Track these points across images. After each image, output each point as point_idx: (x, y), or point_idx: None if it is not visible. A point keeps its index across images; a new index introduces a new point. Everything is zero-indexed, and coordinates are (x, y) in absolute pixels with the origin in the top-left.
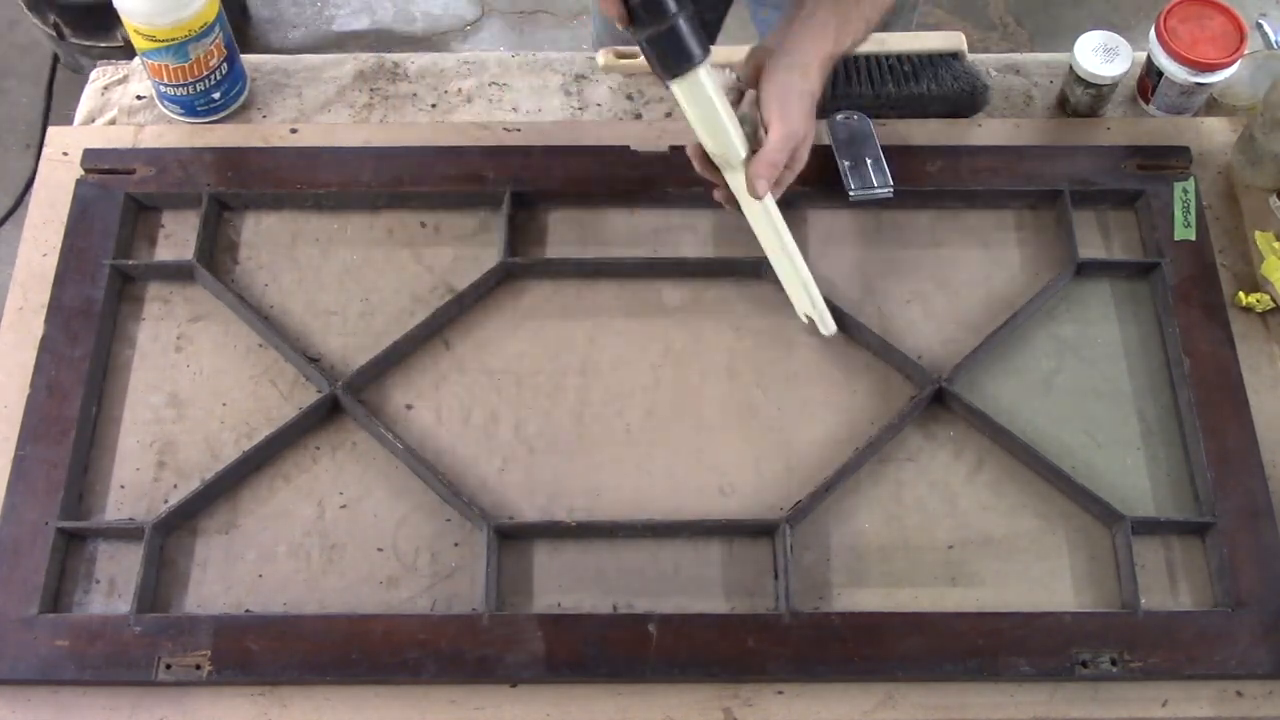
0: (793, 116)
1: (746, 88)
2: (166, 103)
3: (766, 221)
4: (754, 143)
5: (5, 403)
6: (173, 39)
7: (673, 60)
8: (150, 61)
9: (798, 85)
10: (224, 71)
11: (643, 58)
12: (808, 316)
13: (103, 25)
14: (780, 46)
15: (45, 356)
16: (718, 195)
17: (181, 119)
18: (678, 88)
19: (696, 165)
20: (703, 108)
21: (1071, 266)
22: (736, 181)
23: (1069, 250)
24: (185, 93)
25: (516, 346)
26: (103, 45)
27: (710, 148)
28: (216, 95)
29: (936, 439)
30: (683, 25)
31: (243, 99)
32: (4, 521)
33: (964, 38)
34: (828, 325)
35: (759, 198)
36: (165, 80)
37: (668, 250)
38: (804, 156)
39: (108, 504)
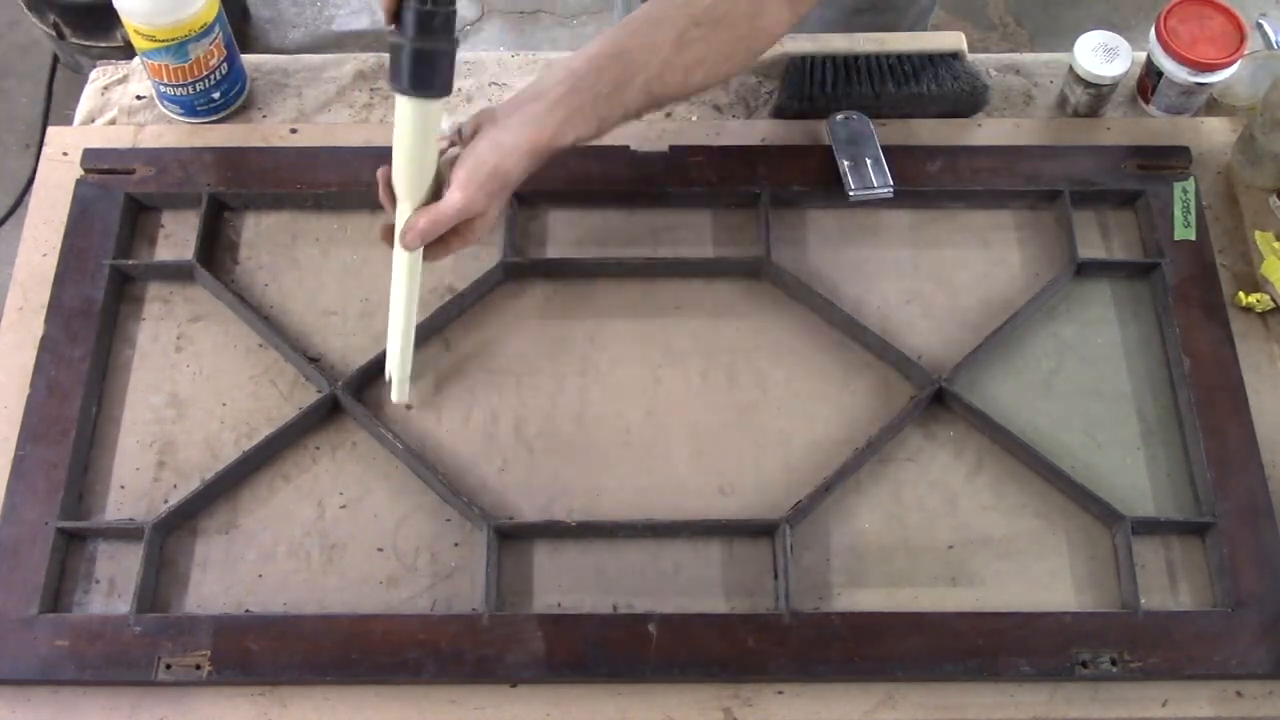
0: (474, 191)
1: (460, 143)
2: (166, 103)
3: (404, 271)
4: (435, 198)
5: (5, 403)
6: (173, 39)
7: (428, 80)
8: (150, 61)
9: (491, 163)
10: (224, 71)
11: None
12: (390, 375)
13: (102, 25)
14: (498, 120)
15: (45, 356)
16: (379, 228)
17: (181, 119)
18: (410, 107)
19: (380, 187)
20: (417, 136)
21: (1071, 266)
22: (401, 219)
23: (1069, 250)
24: (185, 93)
25: (516, 346)
26: (102, 45)
27: (399, 175)
28: (216, 95)
29: (936, 439)
30: (452, 54)
31: (243, 99)
32: (4, 521)
33: (964, 38)
34: (403, 394)
35: (406, 248)
36: (165, 80)
37: (668, 250)
38: (479, 234)
39: (108, 504)
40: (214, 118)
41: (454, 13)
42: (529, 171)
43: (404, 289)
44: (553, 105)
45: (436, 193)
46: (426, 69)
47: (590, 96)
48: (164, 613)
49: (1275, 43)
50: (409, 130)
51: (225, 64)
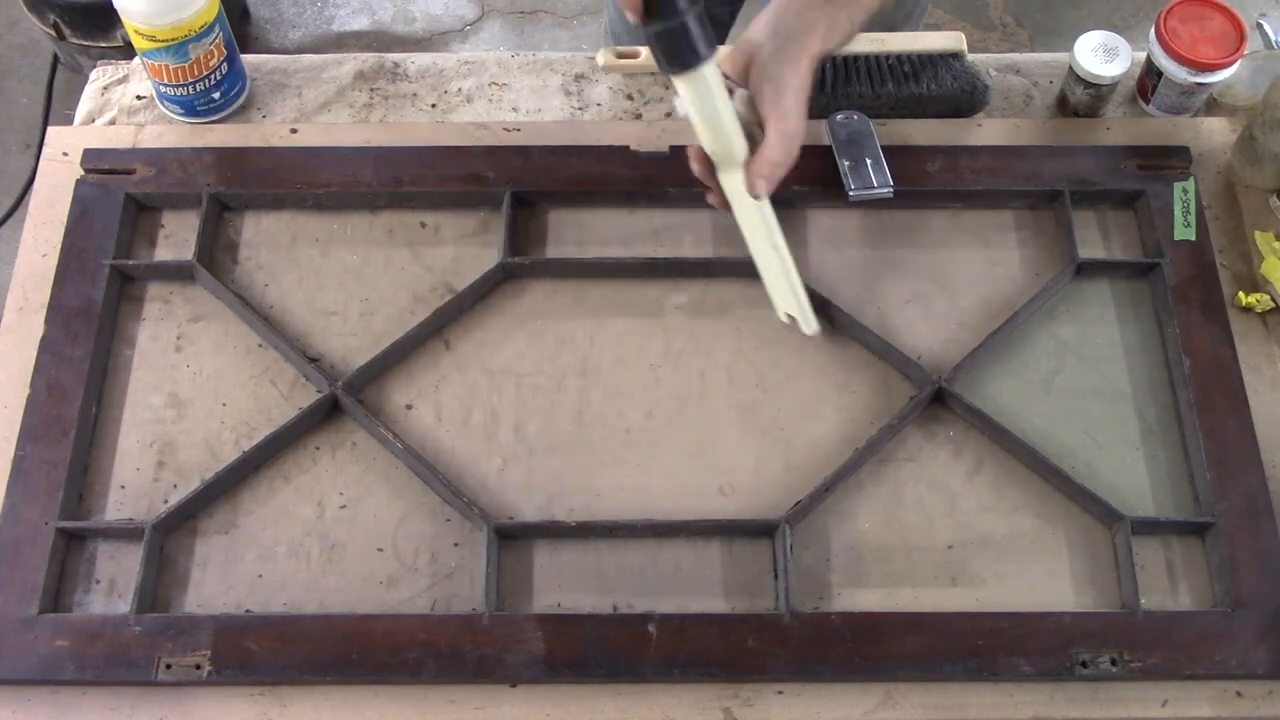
0: (790, 114)
1: (735, 85)
2: (166, 103)
3: (760, 221)
4: (749, 141)
5: (5, 403)
6: (172, 39)
7: (681, 56)
8: (150, 61)
9: (792, 82)
10: (224, 71)
11: (646, 55)
12: (789, 316)
13: (102, 26)
14: (770, 42)
15: (45, 356)
16: (712, 199)
17: (181, 119)
18: (684, 84)
19: (695, 166)
20: (706, 105)
21: (1071, 266)
22: (734, 181)
23: (1069, 250)
24: (185, 93)
25: (516, 346)
26: (102, 45)
27: (710, 147)
28: (216, 95)
29: (936, 439)
30: (693, 22)
31: (243, 99)
32: (4, 521)
33: (964, 38)
34: (811, 324)
35: (759, 198)
36: (165, 80)
37: (668, 250)
38: (796, 154)
39: (108, 504)
40: (214, 118)
41: None
42: (814, 81)
43: (768, 235)
44: (814, 18)
45: (750, 138)
46: (688, 40)
47: (839, 4)
48: (164, 613)
49: (1275, 43)
50: (707, 99)
51: (225, 64)
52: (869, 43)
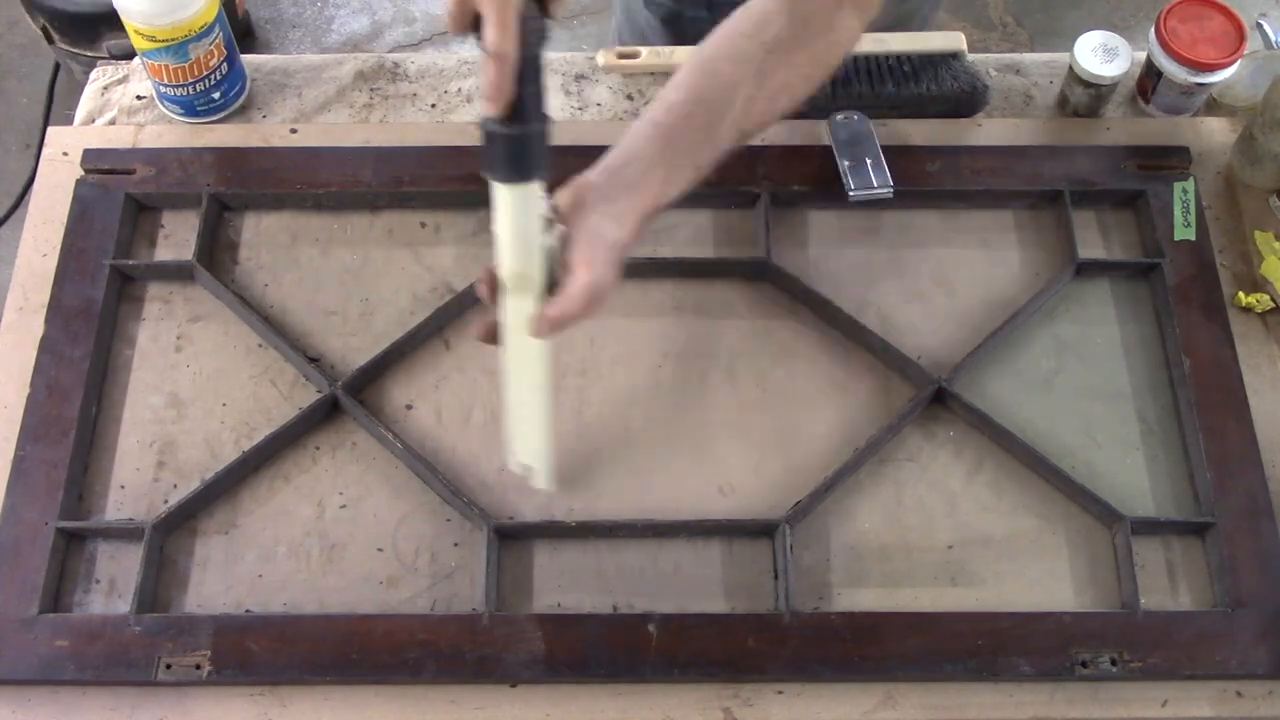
0: (599, 269)
1: (559, 220)
2: (166, 103)
3: (532, 359)
4: (550, 281)
5: (5, 403)
6: (172, 39)
7: (522, 165)
8: (150, 61)
9: (610, 235)
10: (224, 72)
11: (646, 55)
12: (522, 465)
13: (87, 35)
14: (603, 188)
15: (45, 356)
16: (477, 329)
17: (181, 119)
18: (510, 195)
19: (483, 286)
20: (522, 222)
21: (1071, 266)
22: (519, 310)
23: (1069, 250)
24: (185, 93)
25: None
26: (89, 54)
27: (509, 268)
28: (216, 95)
29: (936, 439)
30: (546, 134)
31: (243, 99)
32: (4, 521)
33: (964, 38)
34: (545, 480)
35: (538, 336)
36: (165, 80)
37: (668, 250)
38: (604, 306)
39: (108, 504)
40: (214, 118)
41: (544, 91)
42: (643, 236)
43: (539, 378)
44: (650, 165)
45: (551, 278)
46: (540, 152)
47: (685, 147)
48: (164, 613)
49: (1275, 43)
50: (526, 217)
51: (225, 64)
52: (869, 43)
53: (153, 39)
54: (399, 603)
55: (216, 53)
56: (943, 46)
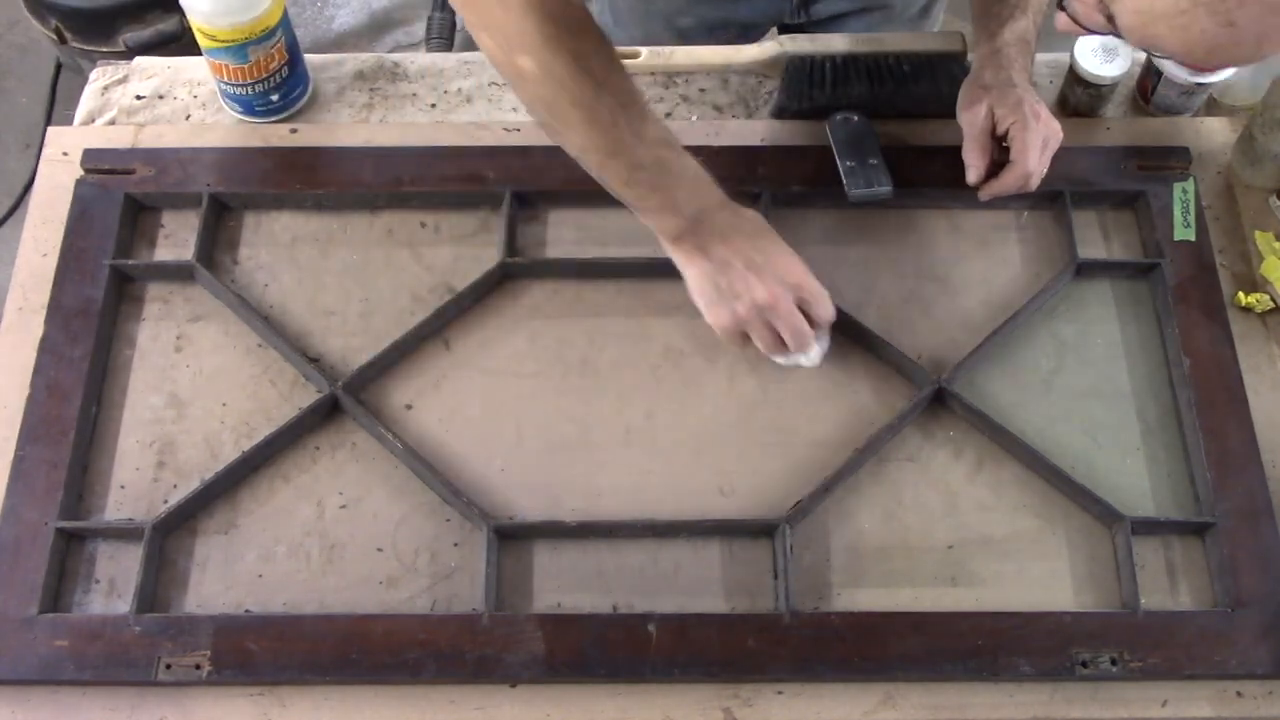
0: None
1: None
2: (226, 100)
3: None
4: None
5: (5, 403)
6: (233, 40)
7: None
8: (210, 60)
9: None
10: (284, 75)
11: (646, 55)
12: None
13: (104, 30)
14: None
15: (45, 356)
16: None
17: (241, 117)
18: None
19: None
20: None
21: (1071, 267)
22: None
23: (1069, 250)
24: (245, 93)
25: (516, 346)
26: (104, 50)
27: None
28: (275, 98)
29: (936, 439)
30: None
31: (303, 102)
32: (4, 521)
33: (964, 38)
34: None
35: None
36: (225, 79)
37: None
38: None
39: (108, 504)
40: (274, 119)
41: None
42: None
43: None
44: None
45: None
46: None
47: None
48: (164, 613)
49: None
50: None
51: (286, 68)
52: (869, 43)
53: (213, 38)
54: (399, 603)
55: (277, 56)
56: (943, 47)
